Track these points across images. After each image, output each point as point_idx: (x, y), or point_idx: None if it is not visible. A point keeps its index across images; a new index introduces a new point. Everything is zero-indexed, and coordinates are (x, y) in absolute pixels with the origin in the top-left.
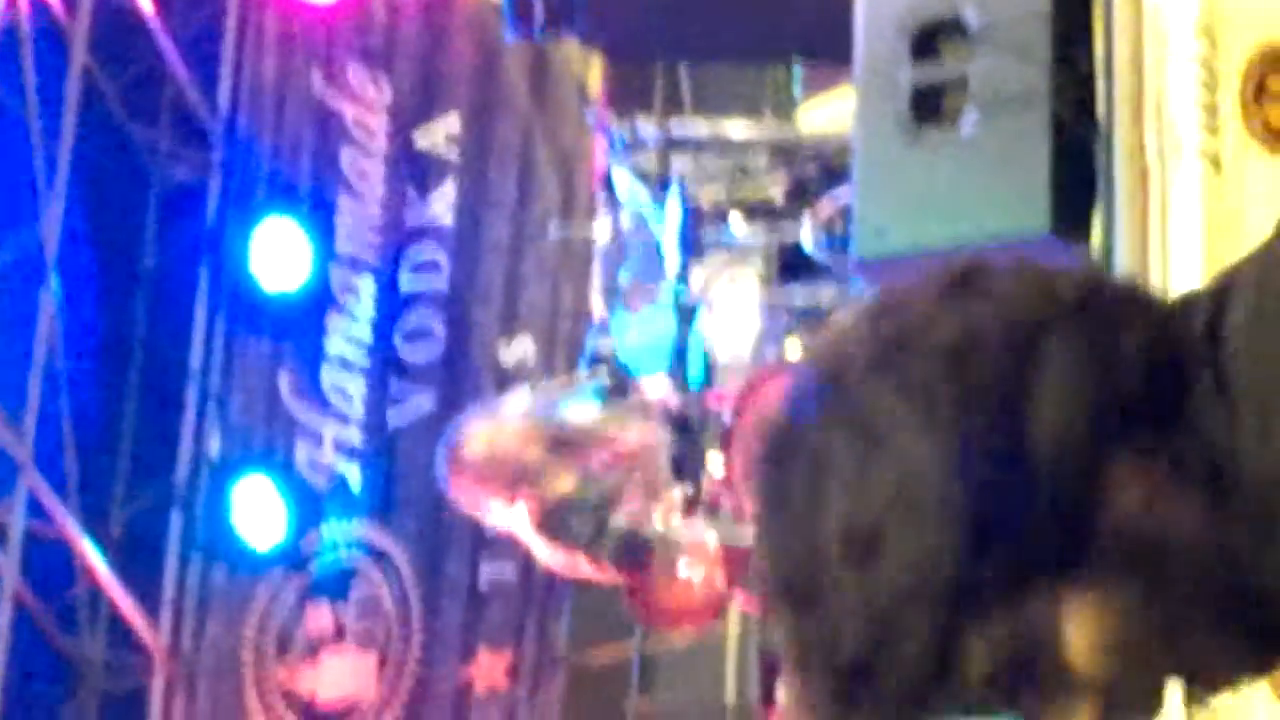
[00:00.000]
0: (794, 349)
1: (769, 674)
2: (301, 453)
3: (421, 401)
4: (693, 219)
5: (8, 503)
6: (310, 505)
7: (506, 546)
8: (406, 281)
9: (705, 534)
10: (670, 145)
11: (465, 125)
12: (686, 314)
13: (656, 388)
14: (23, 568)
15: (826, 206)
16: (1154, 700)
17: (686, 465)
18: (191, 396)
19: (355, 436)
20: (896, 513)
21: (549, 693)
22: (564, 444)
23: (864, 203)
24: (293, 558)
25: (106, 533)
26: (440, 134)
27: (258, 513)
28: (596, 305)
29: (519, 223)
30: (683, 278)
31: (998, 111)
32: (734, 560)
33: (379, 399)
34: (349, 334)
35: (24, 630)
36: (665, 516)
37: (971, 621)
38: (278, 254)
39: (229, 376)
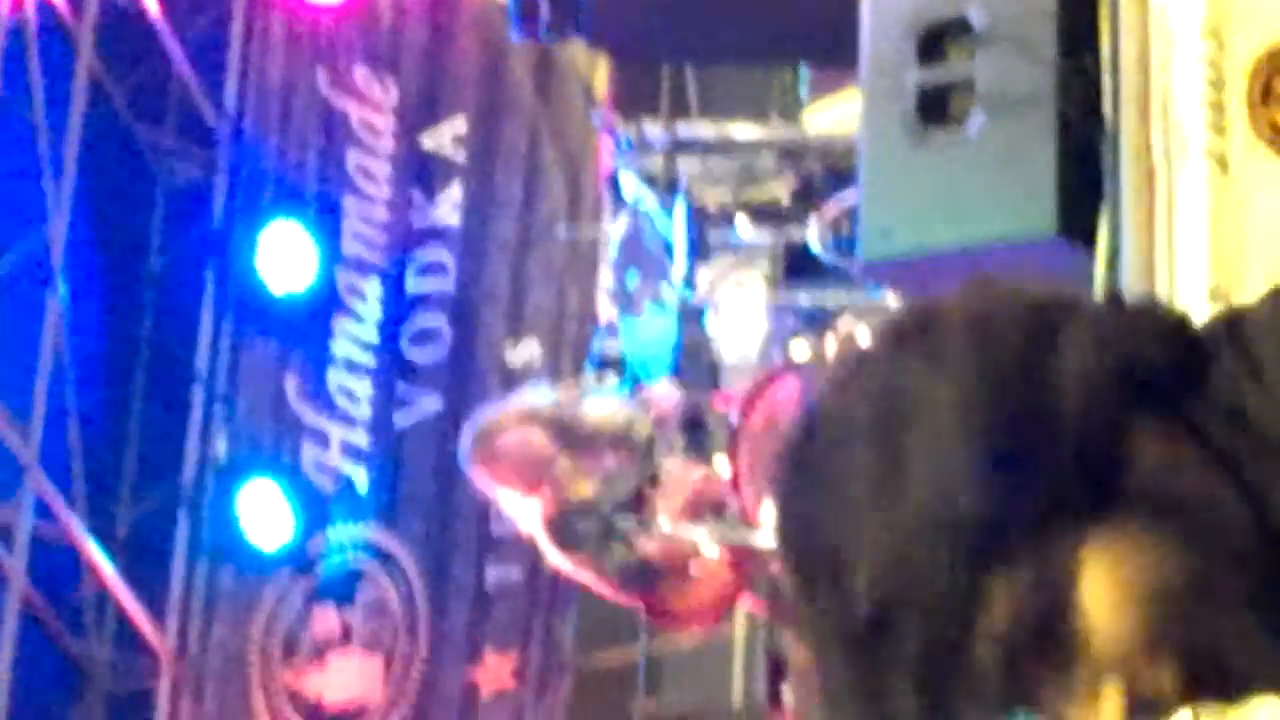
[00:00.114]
0: (800, 350)
1: (776, 676)
2: (308, 455)
3: (428, 403)
4: (699, 221)
5: (14, 505)
6: (317, 507)
7: (513, 548)
8: (413, 283)
9: (712, 535)
10: (677, 147)
11: (471, 127)
12: (693, 316)
13: (662, 390)
14: (29, 570)
15: (833, 208)
16: (1176, 690)
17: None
18: (198, 398)
19: (362, 439)
20: (920, 453)
21: (556, 695)
22: (586, 443)
23: (870, 204)
24: (299, 560)
25: (113, 535)
26: (447, 136)
27: (264, 515)
28: (603, 307)
29: (525, 224)
30: (689, 279)
31: (1004, 112)
32: (741, 562)
33: (385, 401)
34: (355, 336)
35: (31, 632)
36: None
37: (994, 564)
38: (284, 256)
39: (235, 379)
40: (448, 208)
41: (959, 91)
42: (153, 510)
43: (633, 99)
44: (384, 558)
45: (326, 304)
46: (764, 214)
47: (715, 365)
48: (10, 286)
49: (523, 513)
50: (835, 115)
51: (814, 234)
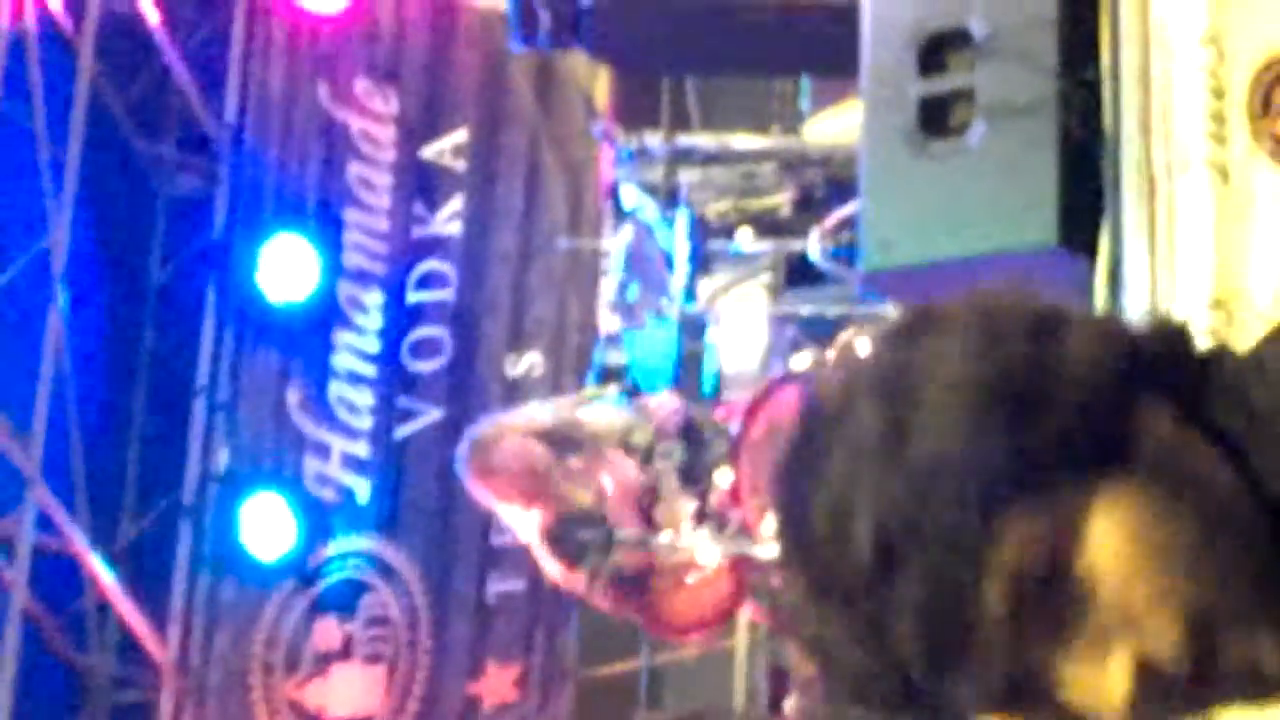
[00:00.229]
0: (801, 360)
1: (777, 686)
2: (309, 466)
3: (429, 415)
4: (700, 231)
5: (16, 517)
6: (318, 519)
7: (514, 560)
8: (414, 295)
9: (713, 546)
10: (677, 158)
11: (472, 138)
12: (694, 327)
13: (663, 400)
14: (31, 582)
15: (834, 219)
16: (1185, 659)
17: (694, 478)
18: (199, 410)
19: (363, 450)
20: (928, 409)
21: (558, 706)
22: (584, 454)
23: (871, 215)
24: (301, 572)
25: (114, 547)
26: (447, 147)
27: (266, 526)
28: (604, 318)
29: (526, 235)
30: (690, 290)
31: (1005, 123)
32: (742, 572)
33: (386, 412)
34: (356, 347)
35: (32, 644)
36: (672, 528)
37: (1002, 510)
38: (285, 267)
39: (236, 390)
40: (449, 219)
41: (960, 102)
42: (154, 522)
43: (633, 110)
44: (385, 569)
45: (327, 315)
46: (765, 224)
47: (716, 375)
48: (11, 298)
49: (521, 525)
50: (836, 126)
51: (814, 244)
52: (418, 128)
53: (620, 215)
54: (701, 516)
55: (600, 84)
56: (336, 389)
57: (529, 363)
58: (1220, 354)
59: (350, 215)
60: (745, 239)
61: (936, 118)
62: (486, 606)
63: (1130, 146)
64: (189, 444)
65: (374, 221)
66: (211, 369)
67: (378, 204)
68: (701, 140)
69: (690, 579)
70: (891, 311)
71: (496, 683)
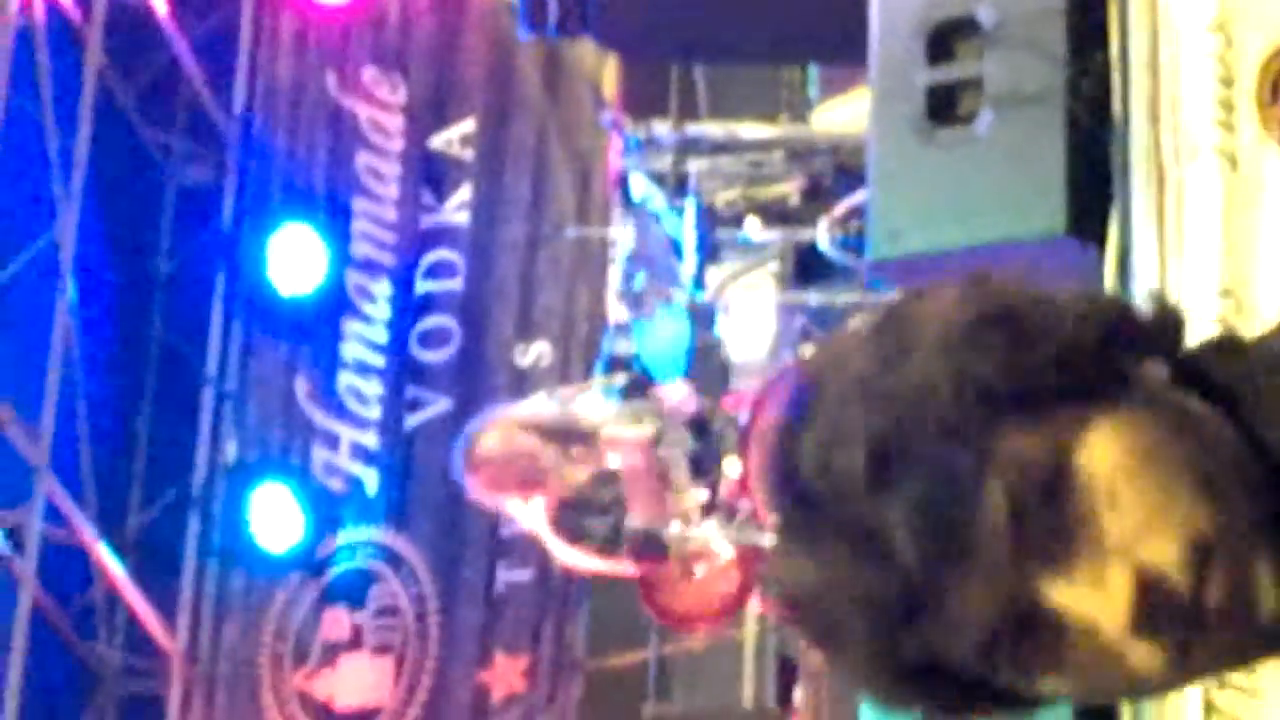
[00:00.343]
0: (810, 349)
1: (786, 677)
2: (318, 457)
3: (438, 404)
4: (708, 220)
5: (25, 507)
6: (327, 510)
7: (523, 550)
8: (422, 284)
9: (722, 536)
10: (685, 147)
11: (480, 127)
12: (701, 316)
13: (673, 390)
14: (40, 572)
15: (842, 207)
16: (1185, 580)
17: (703, 468)
18: (208, 401)
19: (372, 440)
20: (926, 336)
21: (566, 696)
22: (577, 441)
23: (880, 204)
24: (309, 562)
25: (123, 537)
26: (456, 136)
27: (275, 517)
28: (612, 308)
29: (535, 225)
30: (699, 279)
31: (1013, 111)
32: (751, 563)
33: (395, 402)
34: (365, 337)
35: (42, 635)
36: (682, 519)
37: (1002, 420)
38: (293, 257)
39: (245, 381)
40: (457, 208)
41: (968, 91)
42: (163, 513)
43: (642, 99)
44: (394, 560)
45: (336, 305)
46: (773, 213)
47: (725, 365)
48: (20, 289)
49: (526, 516)
50: (844, 115)
51: (823, 233)
52: (426, 117)
53: (628, 204)
54: (711, 507)
55: (608, 73)
56: (345, 379)
57: (537, 352)
58: (1221, 338)
59: (358, 205)
60: (753, 228)
61: (945, 106)
62: (495, 597)
63: (1139, 134)
64: (197, 434)
65: (382, 211)
66: (220, 359)
67: (386, 193)
68: (710, 129)
69: (699, 569)
70: None
71: (505, 673)
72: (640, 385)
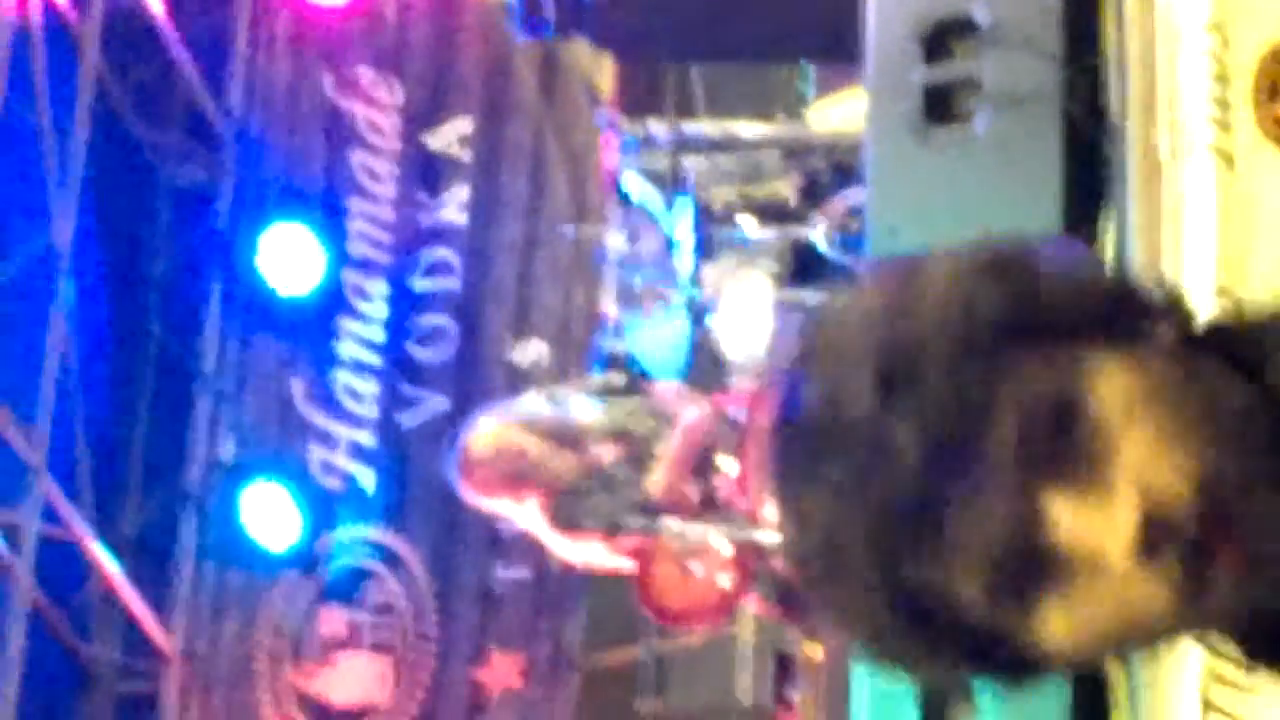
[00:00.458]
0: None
1: (782, 675)
2: (314, 456)
3: (434, 403)
4: (705, 219)
5: (21, 507)
6: (323, 508)
7: (520, 548)
8: (419, 283)
9: (719, 534)
10: (682, 146)
11: (477, 127)
12: (697, 314)
13: (669, 389)
14: (36, 571)
15: (838, 206)
16: (1193, 515)
17: (700, 466)
18: (204, 400)
19: (368, 439)
20: (933, 275)
21: (563, 694)
22: (566, 438)
23: (876, 202)
24: (306, 561)
25: (119, 536)
26: (452, 135)
27: (271, 516)
28: (608, 306)
29: (531, 224)
30: (695, 278)
31: (1009, 110)
32: (747, 560)
33: (391, 401)
34: (361, 336)
35: (37, 634)
36: (678, 514)
37: (1016, 346)
38: (289, 257)
39: (241, 380)
40: (453, 208)
41: (964, 90)
42: (159, 512)
43: (638, 98)
44: (391, 558)
45: (332, 305)
46: (769, 212)
47: (721, 363)
48: (16, 289)
49: (523, 517)
50: (841, 113)
51: (820, 232)
52: (422, 117)
53: (625, 203)
54: (708, 505)
55: (604, 72)
56: (342, 378)
57: (534, 351)
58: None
59: (355, 204)
60: (750, 226)
61: (941, 105)
62: (492, 595)
63: (1134, 133)
64: (194, 433)
65: (379, 210)
66: (216, 358)
67: (382, 193)
68: (706, 128)
69: (696, 567)
70: None
71: (502, 671)
72: (636, 384)
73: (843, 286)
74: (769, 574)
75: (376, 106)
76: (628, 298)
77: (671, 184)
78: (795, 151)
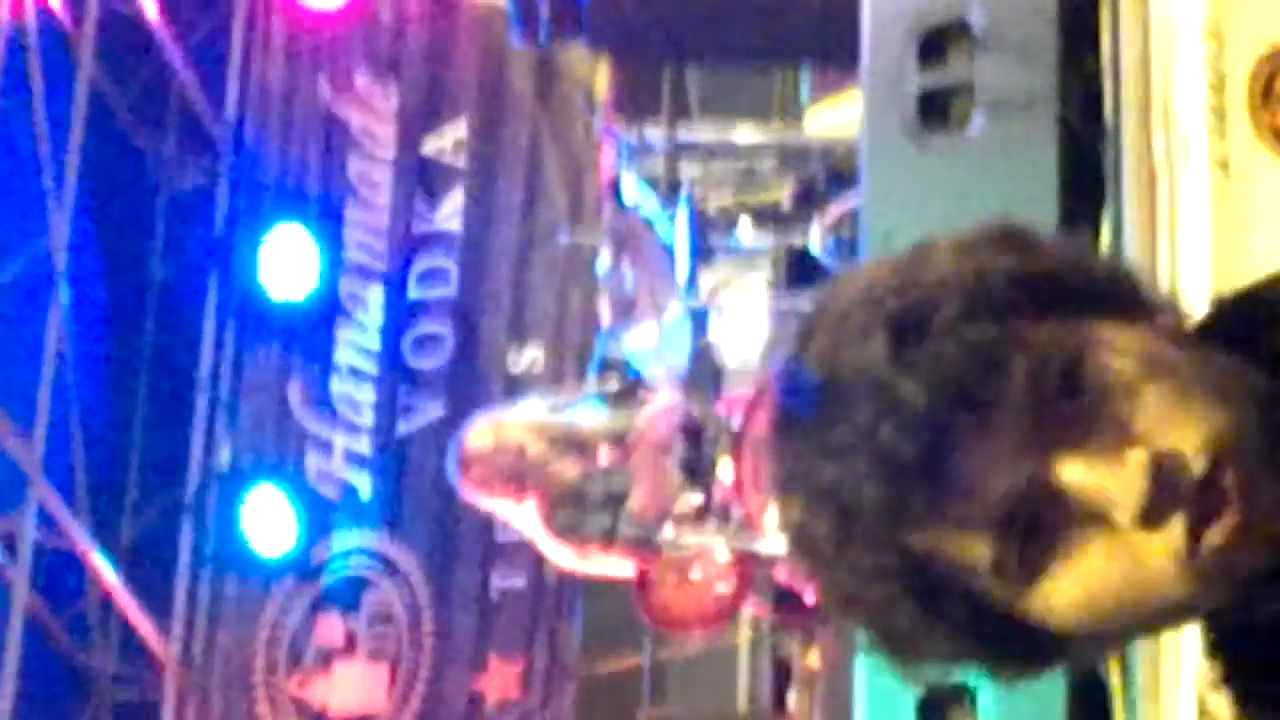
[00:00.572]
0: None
1: (781, 681)
2: (311, 462)
3: (431, 410)
4: (701, 224)
5: (18, 514)
6: (320, 515)
7: (518, 556)
8: (415, 289)
9: (716, 540)
10: (678, 150)
11: (473, 132)
12: (696, 320)
13: (666, 394)
14: (33, 579)
15: (834, 211)
16: (1203, 472)
17: (697, 472)
18: (201, 406)
19: (365, 446)
20: (939, 249)
21: (561, 702)
22: (568, 441)
23: (872, 207)
24: (303, 568)
25: (117, 543)
26: (448, 141)
27: (268, 523)
28: (605, 312)
29: (527, 229)
30: (691, 283)
31: (1005, 115)
32: (745, 567)
33: (388, 407)
34: (358, 343)
35: (35, 641)
36: (676, 522)
37: (1027, 308)
38: (286, 263)
39: (238, 386)
40: (449, 213)
41: (960, 95)
42: (156, 519)
43: (634, 102)
44: (388, 565)
45: (329, 311)
46: (766, 217)
47: (718, 369)
48: (13, 295)
49: (521, 519)
50: (836, 118)
51: (816, 237)
52: (418, 123)
53: (621, 209)
54: (705, 511)
55: (600, 77)
56: (338, 385)
57: (530, 357)
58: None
59: (351, 211)
60: (746, 232)
61: (936, 110)
62: (489, 602)
63: (1130, 139)
64: (190, 440)
65: (375, 217)
66: (213, 365)
67: (378, 199)
68: (702, 133)
69: (694, 573)
70: None
71: (499, 679)
72: (632, 390)
73: (838, 275)
74: (768, 581)
75: (372, 112)
76: (624, 303)
77: (667, 189)
78: (791, 156)
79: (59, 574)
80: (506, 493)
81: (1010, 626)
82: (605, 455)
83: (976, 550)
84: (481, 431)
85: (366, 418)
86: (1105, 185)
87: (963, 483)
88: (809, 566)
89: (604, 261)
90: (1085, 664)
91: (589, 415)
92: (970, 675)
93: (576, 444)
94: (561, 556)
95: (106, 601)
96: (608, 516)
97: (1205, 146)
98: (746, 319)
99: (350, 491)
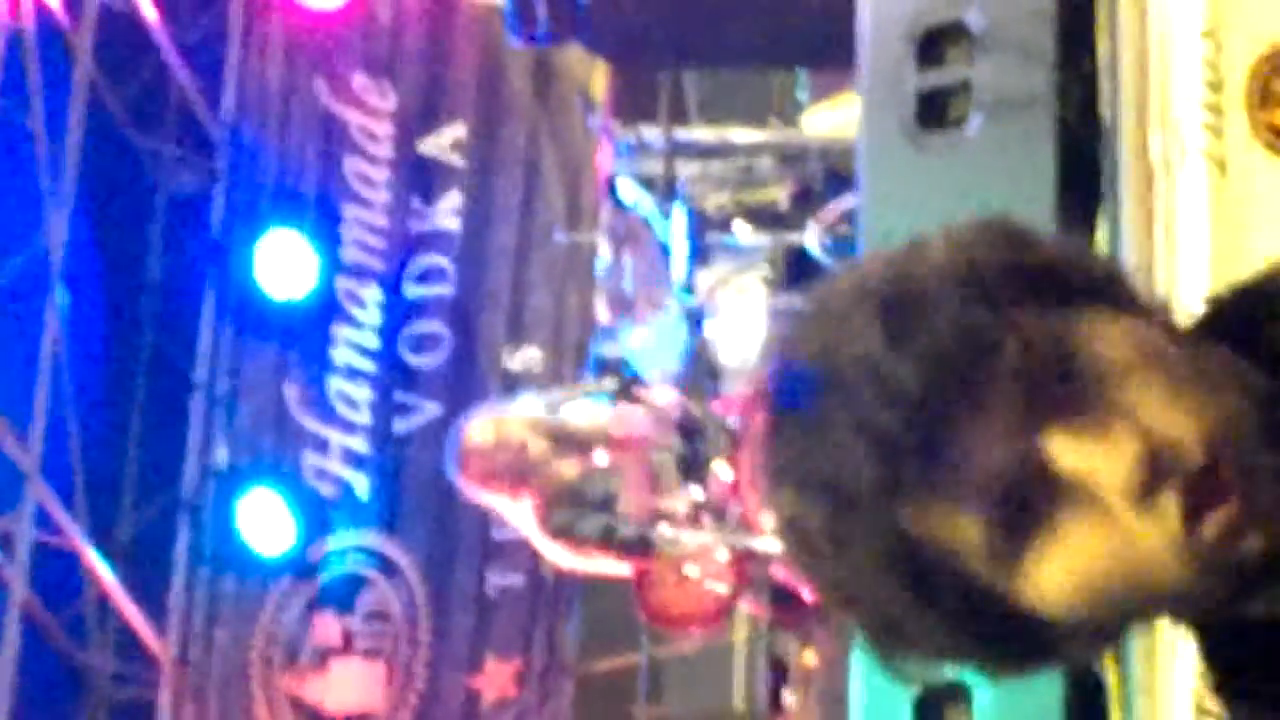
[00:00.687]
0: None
1: (777, 680)
2: (308, 462)
3: (428, 409)
4: (698, 225)
5: (15, 514)
6: (318, 514)
7: (514, 554)
8: (412, 289)
9: (713, 539)
10: (675, 151)
11: (470, 132)
12: (693, 320)
13: (663, 394)
14: (30, 579)
15: (832, 211)
16: (1196, 454)
17: (694, 471)
18: (198, 406)
19: (362, 445)
20: (934, 242)
21: (558, 701)
22: (567, 440)
23: (869, 207)
24: (300, 567)
25: (114, 543)
26: (446, 141)
27: (265, 522)
28: (602, 312)
29: (524, 229)
30: (689, 284)
31: (1002, 115)
32: (742, 565)
33: (386, 407)
34: (355, 342)
35: (32, 641)
36: (673, 521)
37: (1014, 300)
38: (283, 263)
39: (235, 386)
40: (447, 213)
41: (957, 95)
42: (153, 518)
43: (631, 103)
44: (385, 564)
45: (326, 311)
46: (763, 217)
47: (715, 369)
48: (10, 295)
49: (517, 516)
50: (834, 119)
51: (813, 237)
52: (415, 123)
53: (618, 209)
54: (701, 510)
55: (598, 78)
56: (335, 384)
57: (528, 357)
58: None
59: (348, 211)
60: (743, 232)
61: (934, 111)
62: (486, 601)
63: (1128, 139)
64: (188, 440)
65: (372, 217)
66: (210, 365)
67: (376, 199)
68: (699, 133)
69: (691, 571)
70: None
71: (496, 677)
72: (629, 389)
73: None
74: (765, 579)
75: (370, 112)
76: (621, 304)
77: (665, 189)
78: (789, 157)
79: (56, 573)
80: (505, 489)
81: (1002, 615)
82: (604, 455)
83: (968, 530)
84: (483, 426)
85: (364, 417)
86: (1103, 185)
87: (955, 460)
88: (801, 559)
89: (604, 260)
90: (1079, 661)
91: (588, 413)
92: (966, 674)
93: (576, 443)
94: (557, 555)
95: (104, 601)
96: (605, 516)
97: (1203, 146)
98: (744, 319)
99: (347, 490)
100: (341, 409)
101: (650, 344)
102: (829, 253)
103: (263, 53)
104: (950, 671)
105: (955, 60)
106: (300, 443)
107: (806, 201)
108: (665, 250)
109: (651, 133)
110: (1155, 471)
